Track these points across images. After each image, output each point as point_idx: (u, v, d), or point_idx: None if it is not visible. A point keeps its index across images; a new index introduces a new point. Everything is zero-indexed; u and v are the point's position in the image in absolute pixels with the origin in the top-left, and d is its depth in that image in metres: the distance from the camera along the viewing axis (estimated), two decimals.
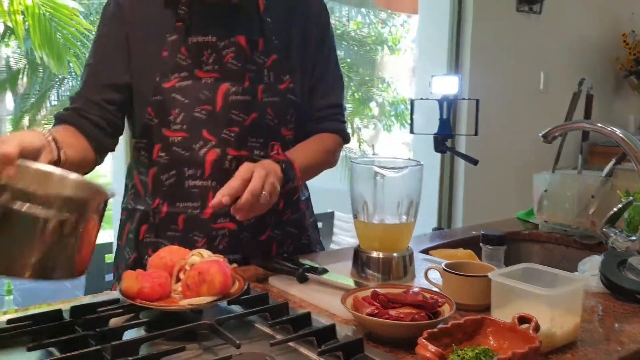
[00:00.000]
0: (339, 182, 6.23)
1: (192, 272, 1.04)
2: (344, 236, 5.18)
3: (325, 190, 6.07)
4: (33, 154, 1.04)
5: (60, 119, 1.34)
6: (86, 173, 1.34)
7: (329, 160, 1.52)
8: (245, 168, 1.22)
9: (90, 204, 0.88)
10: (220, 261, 1.07)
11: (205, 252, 1.11)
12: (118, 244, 1.50)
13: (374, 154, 7.77)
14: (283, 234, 1.47)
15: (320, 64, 1.49)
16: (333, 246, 4.65)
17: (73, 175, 1.00)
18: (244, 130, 1.35)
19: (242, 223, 1.35)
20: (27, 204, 0.79)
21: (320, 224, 4.65)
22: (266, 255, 1.43)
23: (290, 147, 1.41)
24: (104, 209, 0.91)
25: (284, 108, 1.40)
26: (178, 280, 1.08)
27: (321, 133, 1.51)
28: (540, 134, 1.50)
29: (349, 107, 7.43)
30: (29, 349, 0.88)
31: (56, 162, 1.11)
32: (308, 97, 1.47)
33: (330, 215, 4.60)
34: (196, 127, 1.33)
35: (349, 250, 1.48)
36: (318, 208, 5.06)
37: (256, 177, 1.20)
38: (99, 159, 1.38)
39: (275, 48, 1.39)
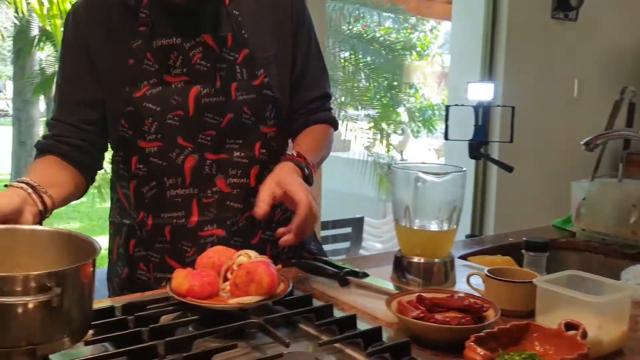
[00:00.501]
0: (366, 188, 6.25)
1: (240, 272, 1.06)
2: (373, 242, 5.18)
3: (352, 196, 6.10)
4: (12, 216, 1.03)
5: (41, 149, 1.30)
6: (81, 196, 1.35)
7: (328, 152, 1.49)
8: (269, 179, 1.22)
9: (73, 271, 0.84)
10: (267, 262, 1.09)
11: (252, 253, 1.13)
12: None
13: (402, 160, 7.76)
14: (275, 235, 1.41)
15: (300, 54, 1.41)
16: (362, 252, 4.65)
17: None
18: (221, 132, 1.30)
19: (231, 229, 1.32)
20: (3, 296, 0.77)
21: (349, 229, 4.65)
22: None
23: (272, 144, 1.37)
24: (94, 263, 0.88)
25: (261, 105, 1.33)
26: (225, 279, 1.10)
27: (314, 125, 1.45)
28: (582, 142, 1.50)
29: (376, 112, 7.43)
30: (86, 343, 0.91)
31: (43, 211, 1.12)
32: (292, 90, 1.41)
33: (360, 221, 4.61)
34: (170, 134, 1.28)
35: (386, 255, 1.50)
36: (347, 213, 5.06)
37: (302, 190, 1.19)
38: (89, 180, 1.36)
39: (245, 42, 1.31)
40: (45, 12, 4.65)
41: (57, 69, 1.37)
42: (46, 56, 8.66)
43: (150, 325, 0.96)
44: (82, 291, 0.85)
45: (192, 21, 1.29)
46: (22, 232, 0.98)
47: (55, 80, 1.38)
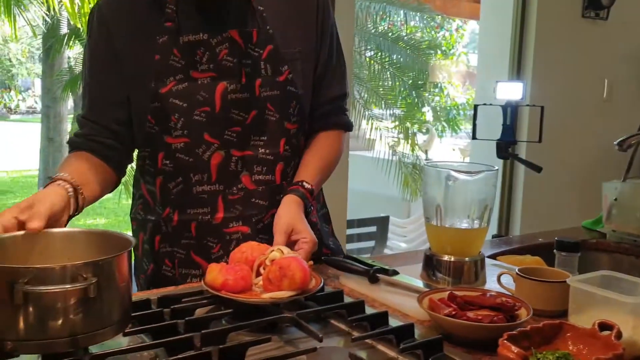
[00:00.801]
0: (391, 187, 6.24)
1: (274, 267, 1.07)
2: (398, 241, 5.17)
3: (377, 195, 6.09)
4: (57, 217, 1.08)
5: (74, 146, 1.33)
6: (112, 190, 1.38)
7: (337, 162, 1.49)
8: (283, 224, 1.24)
9: (108, 262, 0.86)
10: (299, 258, 1.10)
11: (285, 249, 1.15)
12: (135, 255, 1.44)
13: (427, 160, 7.73)
14: None
15: (324, 51, 1.41)
16: (387, 251, 4.65)
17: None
18: (246, 129, 1.31)
19: (256, 226, 1.33)
20: (43, 285, 0.80)
21: (374, 228, 4.64)
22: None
23: (294, 141, 1.37)
24: (129, 255, 0.91)
25: (285, 101, 1.33)
26: (258, 274, 1.11)
27: (328, 131, 1.45)
28: (615, 142, 1.49)
29: (401, 111, 7.41)
30: (125, 334, 0.93)
31: (73, 214, 1.15)
32: (313, 86, 1.41)
33: (385, 220, 4.60)
34: (197, 130, 1.28)
35: (414, 254, 1.50)
36: (371, 212, 5.05)
37: (309, 230, 1.25)
38: (121, 174, 1.39)
39: (270, 38, 1.31)
40: (76, 10, 4.72)
41: (83, 63, 1.37)
42: (75, 54, 8.79)
43: (186, 318, 0.98)
44: (119, 282, 0.87)
45: (219, 16, 1.29)
46: (58, 235, 1.00)
47: (81, 76, 1.38)
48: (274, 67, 1.31)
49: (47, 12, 6.53)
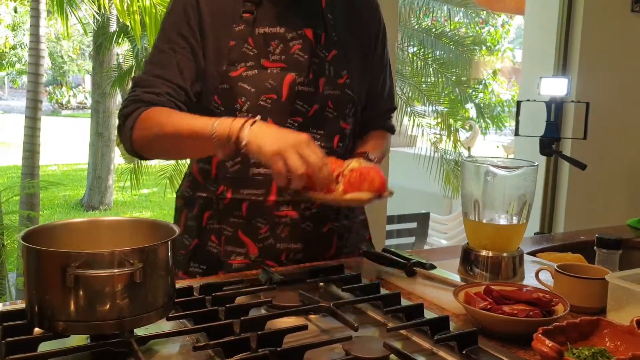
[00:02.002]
0: (432, 184, 6.20)
1: (355, 173, 1.16)
2: (438, 238, 5.15)
3: (418, 191, 6.06)
4: None
5: (153, 103, 1.29)
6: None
7: (385, 154, 1.57)
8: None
9: (153, 249, 0.90)
10: (378, 167, 1.18)
11: (362, 161, 1.22)
12: None
13: (469, 157, 7.64)
14: (341, 227, 1.47)
15: (378, 65, 1.52)
16: (427, 247, 4.63)
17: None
18: (307, 120, 1.36)
19: (304, 213, 1.38)
20: (92, 270, 0.84)
21: (415, 224, 4.62)
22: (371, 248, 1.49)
23: (347, 141, 1.45)
24: (173, 243, 0.94)
25: (344, 102, 1.41)
26: (337, 183, 1.19)
27: (376, 130, 1.56)
28: None
29: (444, 108, 7.34)
30: (168, 319, 0.97)
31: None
32: (366, 95, 1.49)
33: (425, 216, 4.58)
34: (261, 115, 1.28)
35: (453, 249, 1.51)
36: (412, 208, 5.02)
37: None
38: None
39: (335, 44, 1.40)
40: (125, 8, 4.83)
41: (160, 32, 1.38)
42: (124, 51, 8.99)
43: (227, 305, 1.01)
44: (163, 268, 0.91)
45: (296, 14, 1.37)
46: (106, 223, 1.03)
47: (159, 41, 1.37)
48: (335, 70, 1.39)
49: (98, 11, 6.70)
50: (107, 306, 0.85)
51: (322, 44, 1.38)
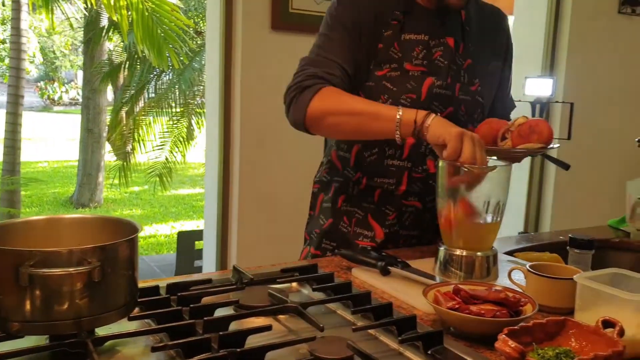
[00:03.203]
0: None
1: (524, 126, 1.26)
2: None
3: None
4: None
5: (331, 82, 1.41)
6: None
7: None
8: None
9: (113, 247, 0.89)
10: (544, 120, 1.26)
11: (527, 117, 1.31)
12: (311, 214, 1.66)
13: None
14: None
15: (505, 73, 1.64)
16: None
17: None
18: None
19: (427, 205, 1.52)
20: (47, 268, 0.82)
21: None
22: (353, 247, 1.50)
23: None
24: (135, 241, 0.93)
25: (474, 107, 1.52)
26: (504, 138, 1.31)
27: None
28: (637, 139, 1.46)
29: None
30: (130, 319, 0.96)
31: None
32: (493, 101, 1.62)
33: None
34: None
35: (429, 248, 1.50)
36: None
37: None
38: None
39: (470, 54, 1.52)
40: (112, 3, 4.81)
41: (328, 22, 1.50)
42: (114, 46, 8.96)
43: (191, 305, 1.00)
44: (125, 267, 0.89)
45: (440, 24, 1.49)
46: (68, 221, 1.02)
47: (326, 29, 1.49)
48: (469, 78, 1.51)
49: (85, 5, 6.66)
50: (64, 306, 0.84)
51: (461, 53, 1.50)
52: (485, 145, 1.27)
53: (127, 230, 0.95)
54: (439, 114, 1.31)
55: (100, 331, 0.92)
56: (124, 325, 0.95)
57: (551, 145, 1.30)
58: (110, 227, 0.99)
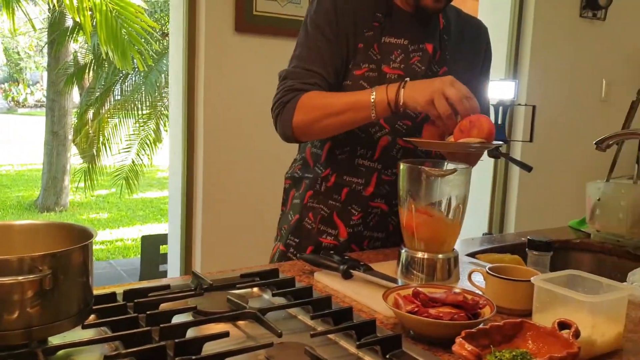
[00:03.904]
0: None
1: (465, 121, 1.26)
2: None
3: None
4: None
5: (306, 90, 1.43)
6: None
7: None
8: None
9: (65, 254, 0.87)
10: (486, 116, 1.28)
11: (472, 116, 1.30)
12: (283, 210, 1.68)
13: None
14: None
15: (482, 84, 1.65)
16: None
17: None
18: (415, 125, 1.49)
19: (393, 208, 1.50)
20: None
21: None
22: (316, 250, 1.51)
23: None
24: (88, 248, 0.91)
25: None
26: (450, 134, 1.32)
27: None
28: (595, 142, 1.48)
29: None
30: (84, 327, 0.94)
31: None
32: None
33: None
34: None
35: (392, 251, 1.51)
36: None
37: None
38: None
39: (446, 62, 1.54)
40: (75, 4, 4.73)
41: (306, 29, 1.51)
42: (79, 47, 8.80)
43: (148, 312, 0.99)
44: (78, 274, 0.87)
45: (419, 30, 1.51)
46: (19, 227, 1.00)
47: (303, 38, 1.51)
48: None
49: (48, 6, 6.54)
50: (14, 315, 0.81)
51: (437, 60, 1.52)
52: (431, 140, 1.32)
53: (82, 236, 0.93)
54: (407, 81, 1.33)
55: (54, 340, 0.90)
56: (79, 334, 0.93)
57: (494, 142, 1.30)
58: (63, 233, 0.96)
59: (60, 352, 0.87)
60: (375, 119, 1.36)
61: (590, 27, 3.69)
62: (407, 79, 1.34)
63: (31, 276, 0.81)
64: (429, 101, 1.27)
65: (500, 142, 1.40)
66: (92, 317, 0.98)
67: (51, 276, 0.82)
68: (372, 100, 1.33)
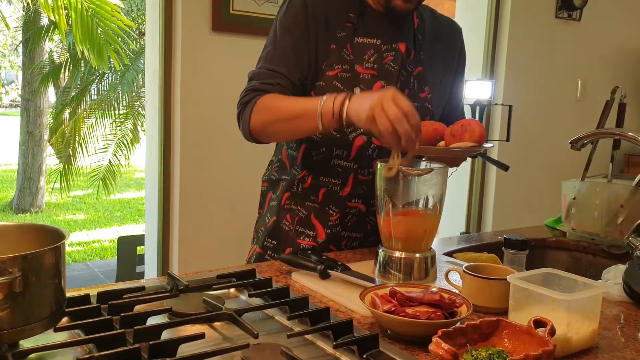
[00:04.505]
0: None
1: (456, 125, 1.28)
2: None
3: None
4: None
5: (267, 91, 1.42)
6: None
7: None
8: None
9: (36, 256, 0.85)
10: (477, 120, 1.28)
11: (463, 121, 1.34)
12: (260, 212, 1.67)
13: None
14: None
15: (456, 83, 1.68)
16: None
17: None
18: None
19: (371, 207, 1.51)
20: None
21: None
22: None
23: None
24: (60, 249, 0.89)
25: (422, 114, 1.47)
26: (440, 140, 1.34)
27: None
28: (569, 141, 1.49)
29: None
30: (56, 330, 0.92)
31: None
32: (443, 110, 1.65)
33: None
34: None
35: (370, 251, 1.51)
36: None
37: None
38: None
39: (421, 61, 1.54)
40: (49, 3, 4.66)
41: (275, 30, 1.50)
42: (55, 46, 8.69)
43: (122, 314, 0.97)
44: (50, 276, 0.86)
45: (392, 30, 1.51)
46: None
47: (271, 40, 1.50)
48: (419, 85, 1.54)
49: (23, 5, 6.45)
50: None
51: (411, 59, 1.52)
52: (426, 147, 1.31)
53: (54, 237, 0.91)
54: (357, 92, 1.32)
55: (25, 343, 0.88)
56: (51, 337, 0.92)
57: (485, 145, 1.31)
58: (36, 235, 0.95)
59: (32, 355, 0.86)
60: (323, 131, 1.33)
61: (566, 28, 3.74)
62: (357, 89, 1.36)
63: (1, 279, 0.79)
64: (369, 120, 1.20)
65: (491, 145, 1.42)
66: (64, 319, 0.97)
67: (21, 278, 0.81)
68: (319, 109, 1.29)
